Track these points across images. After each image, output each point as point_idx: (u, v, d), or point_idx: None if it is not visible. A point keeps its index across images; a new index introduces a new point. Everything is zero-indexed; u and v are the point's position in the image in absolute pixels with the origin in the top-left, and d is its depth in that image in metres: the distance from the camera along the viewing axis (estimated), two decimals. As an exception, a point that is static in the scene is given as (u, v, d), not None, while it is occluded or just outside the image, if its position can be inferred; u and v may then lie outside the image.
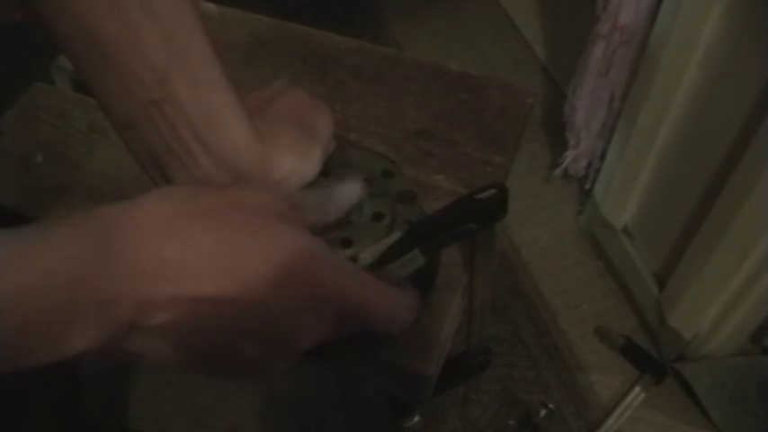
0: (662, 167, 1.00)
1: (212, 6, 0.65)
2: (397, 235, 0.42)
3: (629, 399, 1.04)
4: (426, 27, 1.49)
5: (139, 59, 0.40)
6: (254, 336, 0.35)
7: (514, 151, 0.57)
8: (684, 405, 1.04)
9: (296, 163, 0.45)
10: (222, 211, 0.34)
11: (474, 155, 0.56)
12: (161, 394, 0.86)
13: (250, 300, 0.33)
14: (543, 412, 1.01)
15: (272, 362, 0.36)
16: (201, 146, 0.42)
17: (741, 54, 0.81)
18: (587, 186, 1.19)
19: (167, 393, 0.86)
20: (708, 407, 1.01)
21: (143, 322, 0.31)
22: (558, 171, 1.19)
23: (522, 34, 1.48)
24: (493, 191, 0.42)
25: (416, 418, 0.52)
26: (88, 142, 0.57)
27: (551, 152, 1.29)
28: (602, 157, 1.12)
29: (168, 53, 0.41)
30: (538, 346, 1.10)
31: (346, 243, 0.42)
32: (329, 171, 0.45)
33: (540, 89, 1.38)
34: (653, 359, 1.07)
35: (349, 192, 0.42)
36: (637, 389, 1.04)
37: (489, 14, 1.52)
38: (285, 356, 0.36)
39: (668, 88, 0.91)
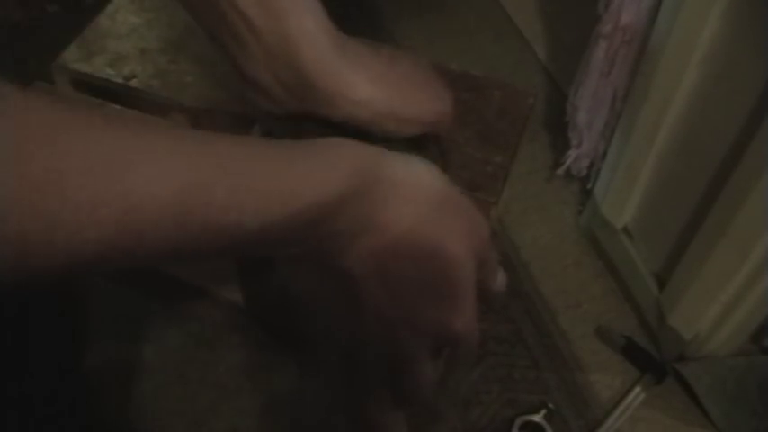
0: (662, 167, 1.00)
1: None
2: None
3: (629, 399, 1.04)
4: (426, 27, 1.49)
5: None
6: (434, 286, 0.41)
7: (515, 151, 0.58)
8: (684, 405, 1.04)
9: (372, 92, 0.44)
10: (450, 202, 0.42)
11: (474, 155, 0.56)
12: (161, 394, 0.86)
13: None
14: (543, 412, 1.01)
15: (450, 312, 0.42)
16: (249, 28, 0.41)
17: (741, 54, 0.81)
18: (589, 186, 1.18)
19: (167, 393, 0.86)
20: (708, 407, 1.01)
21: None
22: (561, 171, 1.19)
23: (522, 34, 1.48)
24: None
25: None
26: (88, 142, 0.57)
27: (552, 152, 1.29)
28: (605, 156, 1.12)
29: None
30: (538, 346, 1.10)
31: None
32: None
33: (540, 89, 1.38)
34: (653, 359, 1.06)
35: None
36: (637, 389, 1.04)
37: (489, 14, 1.52)
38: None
39: (668, 88, 0.91)
